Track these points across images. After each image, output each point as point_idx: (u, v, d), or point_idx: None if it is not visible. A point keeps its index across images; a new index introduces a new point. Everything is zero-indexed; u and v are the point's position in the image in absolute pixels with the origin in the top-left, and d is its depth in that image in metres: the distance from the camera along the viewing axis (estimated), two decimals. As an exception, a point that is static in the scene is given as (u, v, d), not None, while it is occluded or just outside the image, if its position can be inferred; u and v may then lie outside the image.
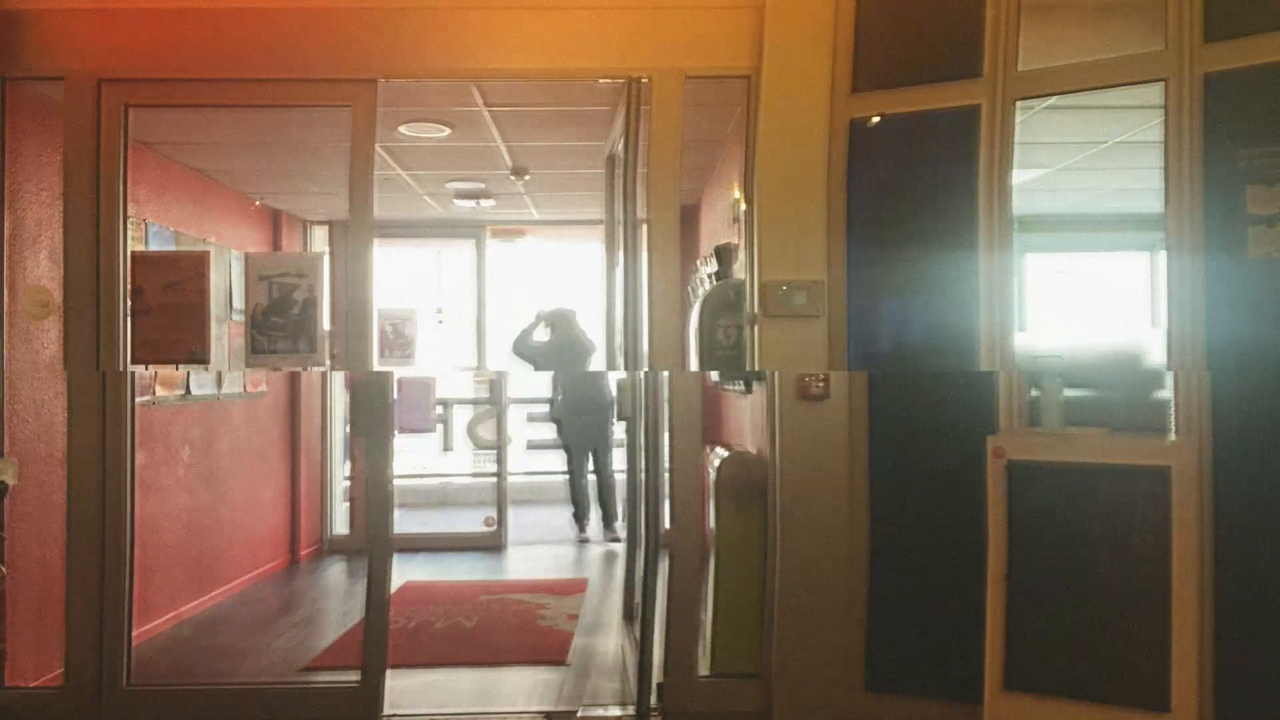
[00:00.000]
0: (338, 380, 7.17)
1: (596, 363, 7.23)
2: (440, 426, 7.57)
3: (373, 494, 3.85)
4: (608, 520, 7.38)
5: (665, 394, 3.76)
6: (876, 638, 3.48)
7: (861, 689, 3.48)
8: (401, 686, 3.95)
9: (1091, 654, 2.99)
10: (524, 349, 7.40)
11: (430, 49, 3.68)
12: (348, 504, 7.37)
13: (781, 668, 3.52)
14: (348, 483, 7.38)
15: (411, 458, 8.55)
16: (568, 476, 7.53)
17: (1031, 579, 3.08)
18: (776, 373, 3.56)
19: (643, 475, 3.81)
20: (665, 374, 3.74)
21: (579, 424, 7.40)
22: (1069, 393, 3.23)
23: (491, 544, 7.29)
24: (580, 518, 7.47)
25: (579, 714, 3.78)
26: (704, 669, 3.77)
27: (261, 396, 6.28)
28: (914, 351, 3.51)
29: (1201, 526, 2.87)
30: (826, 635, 3.49)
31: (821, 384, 3.49)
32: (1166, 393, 3.01)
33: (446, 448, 9.90)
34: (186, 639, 5.01)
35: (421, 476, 9.17)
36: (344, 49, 3.64)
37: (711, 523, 4.00)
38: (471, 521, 7.65)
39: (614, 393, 6.63)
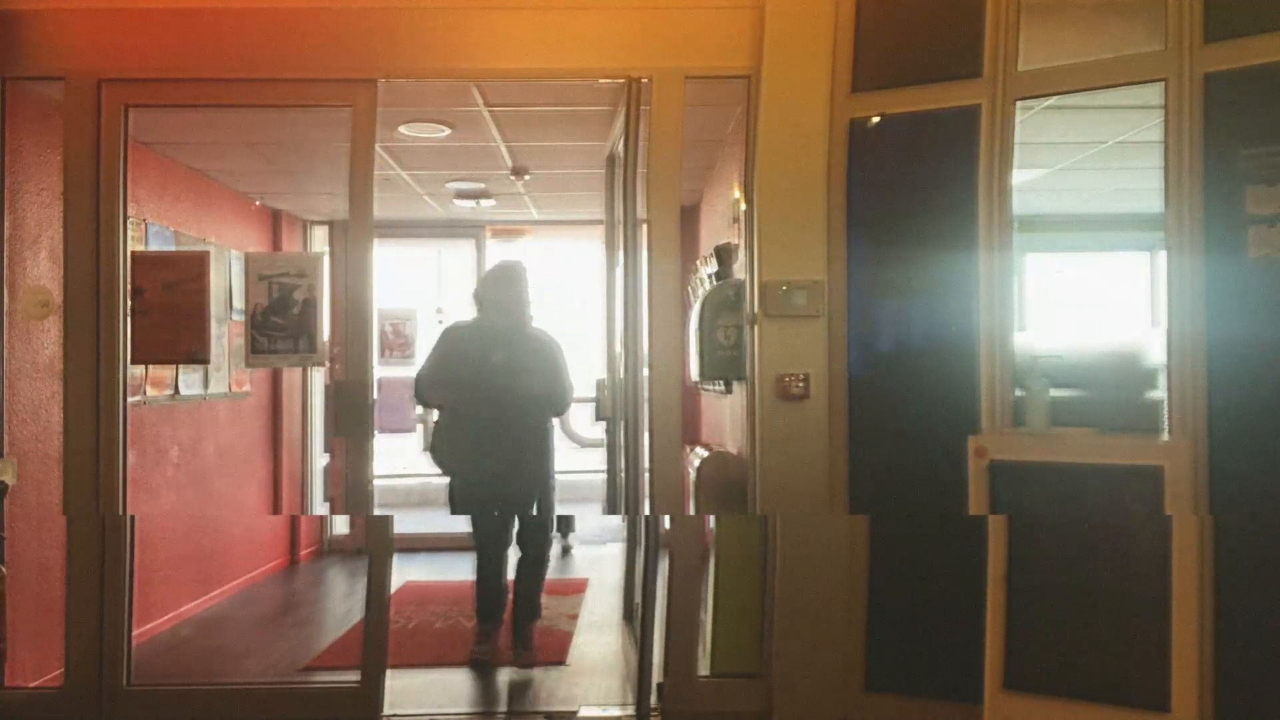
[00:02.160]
0: (318, 381, 7.15)
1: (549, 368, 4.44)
2: (420, 427, 7.44)
3: (353, 494, 3.82)
4: (523, 621, 4.48)
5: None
6: (876, 638, 3.48)
7: (861, 689, 3.48)
8: (401, 686, 3.95)
9: (1091, 654, 2.99)
10: (426, 391, 4.44)
11: (430, 49, 3.67)
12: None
13: (781, 668, 3.52)
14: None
15: (401, 458, 8.50)
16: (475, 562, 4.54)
17: (1030, 579, 3.08)
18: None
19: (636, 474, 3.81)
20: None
21: (487, 469, 4.33)
22: (1068, 393, 3.23)
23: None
24: (487, 618, 4.50)
25: (579, 714, 3.78)
26: (703, 669, 3.77)
27: (246, 396, 6.28)
28: (914, 351, 3.51)
29: (1199, 526, 2.87)
30: (826, 635, 3.49)
31: (802, 384, 3.49)
32: (1164, 392, 3.00)
33: (426, 447, 9.86)
34: (187, 639, 5.02)
35: (414, 476, 9.14)
36: (344, 49, 3.64)
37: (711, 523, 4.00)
38: (464, 521, 7.61)
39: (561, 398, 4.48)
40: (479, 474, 4.36)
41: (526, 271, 4.47)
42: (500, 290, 4.43)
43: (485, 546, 4.51)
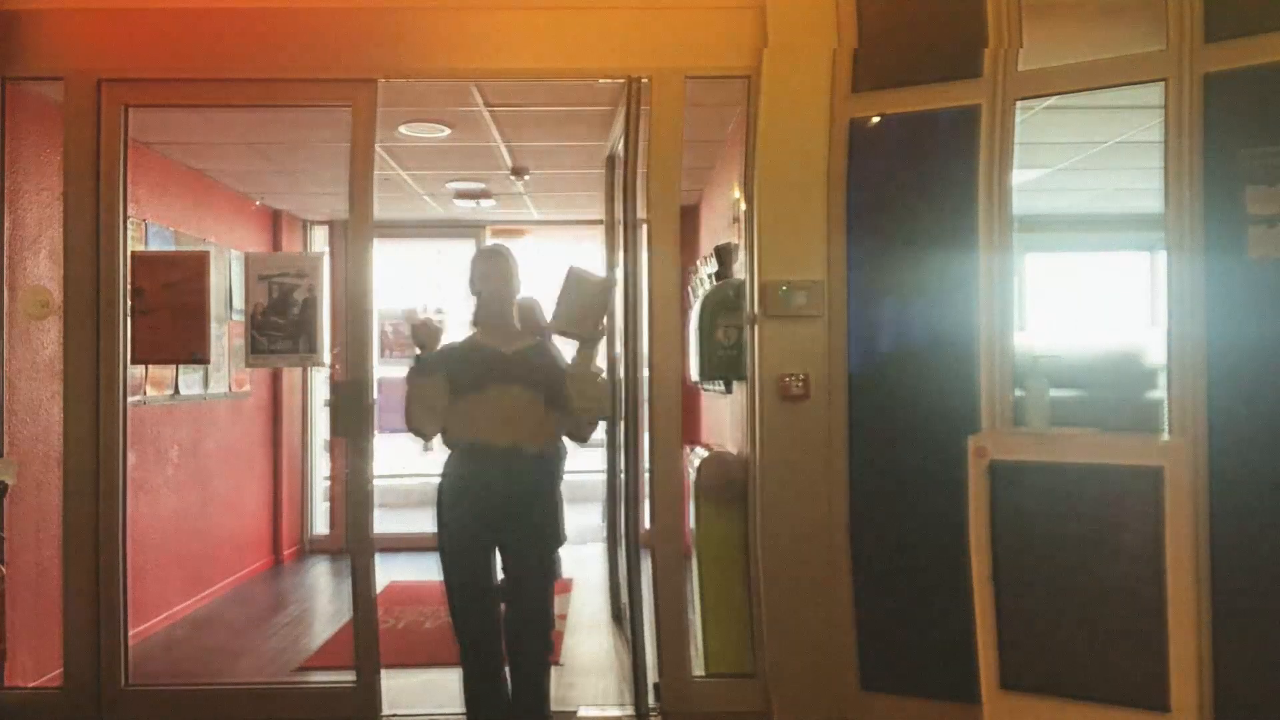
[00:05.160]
0: (320, 381, 7.16)
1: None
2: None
3: (353, 495, 3.82)
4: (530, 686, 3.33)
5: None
6: (871, 637, 3.47)
7: (857, 688, 3.48)
8: (399, 686, 3.95)
9: (1091, 654, 2.98)
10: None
11: (430, 49, 3.68)
12: (328, 504, 7.36)
13: (778, 668, 3.52)
14: (328, 482, 7.36)
15: (396, 458, 8.48)
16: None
17: (1027, 578, 3.07)
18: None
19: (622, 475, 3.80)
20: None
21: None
22: (1068, 393, 3.22)
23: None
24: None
25: (578, 714, 3.77)
26: (700, 669, 3.77)
27: (247, 396, 6.28)
28: (914, 351, 3.50)
29: (1196, 526, 2.86)
30: (823, 635, 3.48)
31: (801, 384, 3.49)
32: (1164, 392, 3.00)
33: (427, 448, 9.85)
34: (180, 640, 5.01)
35: (400, 476, 9.11)
36: (344, 49, 3.64)
37: (691, 523, 3.99)
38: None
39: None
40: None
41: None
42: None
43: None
